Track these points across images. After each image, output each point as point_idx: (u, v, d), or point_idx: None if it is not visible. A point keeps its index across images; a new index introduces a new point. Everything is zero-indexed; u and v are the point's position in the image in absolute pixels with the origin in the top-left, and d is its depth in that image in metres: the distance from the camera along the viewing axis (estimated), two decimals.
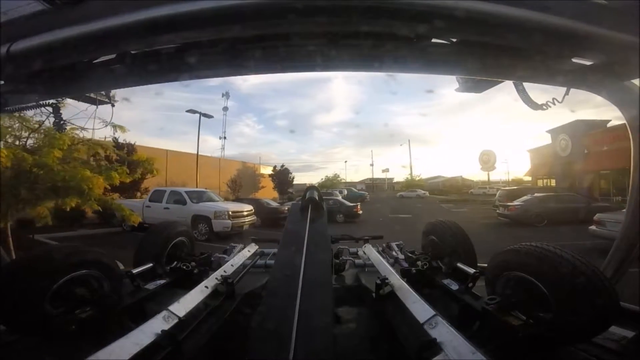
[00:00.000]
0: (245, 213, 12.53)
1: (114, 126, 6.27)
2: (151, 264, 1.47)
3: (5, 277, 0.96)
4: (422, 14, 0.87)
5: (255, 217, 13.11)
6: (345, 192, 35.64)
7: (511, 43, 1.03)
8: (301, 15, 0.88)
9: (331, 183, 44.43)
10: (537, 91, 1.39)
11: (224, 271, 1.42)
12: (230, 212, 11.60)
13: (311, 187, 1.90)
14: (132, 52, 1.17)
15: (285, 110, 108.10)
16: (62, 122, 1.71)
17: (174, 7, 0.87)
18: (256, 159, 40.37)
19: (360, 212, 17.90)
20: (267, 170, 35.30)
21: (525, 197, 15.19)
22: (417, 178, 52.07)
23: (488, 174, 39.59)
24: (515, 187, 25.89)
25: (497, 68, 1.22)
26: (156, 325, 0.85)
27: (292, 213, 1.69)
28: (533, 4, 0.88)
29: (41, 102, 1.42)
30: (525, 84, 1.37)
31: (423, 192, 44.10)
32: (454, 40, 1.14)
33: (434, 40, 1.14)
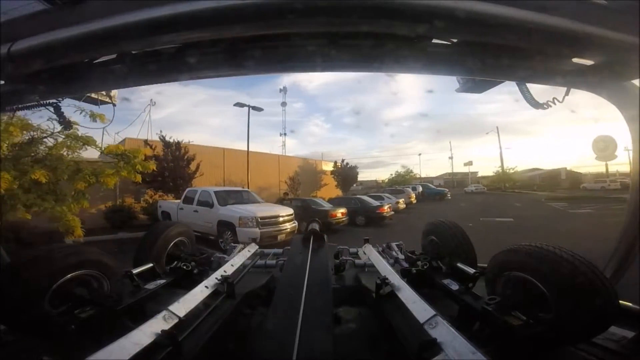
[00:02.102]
0: (281, 219, 9.76)
1: (93, 115, 5.68)
2: (151, 264, 1.47)
3: (5, 277, 0.96)
4: (422, 14, 0.87)
5: (296, 224, 10.29)
6: (420, 188, 31.77)
7: (511, 43, 1.03)
8: (301, 15, 0.88)
9: (403, 179, 39.07)
10: (538, 90, 1.40)
11: (224, 271, 1.42)
12: (258, 219, 9.11)
13: (312, 220, 1.99)
14: (133, 52, 1.17)
15: (351, 107, 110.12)
16: (66, 120, 1.70)
17: (175, 7, 0.87)
18: (326, 157, 37.29)
19: (388, 214, 14.27)
20: (328, 167, 31.58)
21: None
22: (511, 171, 43.46)
23: (606, 165, 30.79)
24: None
25: (498, 68, 1.22)
26: (156, 325, 0.85)
27: (294, 243, 1.75)
28: (533, 5, 0.88)
29: (42, 102, 1.43)
30: (528, 84, 1.37)
31: (475, 186, 40.92)
32: (455, 40, 1.14)
33: (434, 40, 1.14)
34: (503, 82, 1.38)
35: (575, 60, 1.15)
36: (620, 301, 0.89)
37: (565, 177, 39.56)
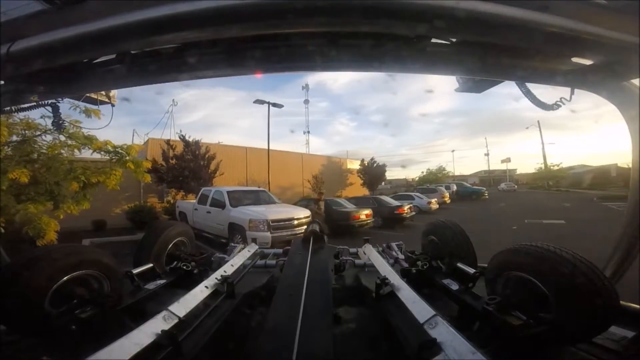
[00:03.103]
0: (296, 222, 8.73)
1: (87, 111, 5.25)
2: (151, 264, 1.47)
3: (5, 277, 0.96)
4: (422, 14, 0.87)
5: None
6: (454, 187, 29.80)
7: (511, 43, 1.03)
8: (301, 15, 0.88)
9: (435, 177, 36.16)
10: (538, 90, 1.39)
11: (224, 271, 1.42)
12: (270, 222, 8.22)
13: (313, 221, 2.03)
14: (132, 52, 1.17)
15: (379, 105, 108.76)
16: (61, 121, 1.70)
17: (174, 7, 0.87)
18: (352, 155, 34.70)
19: (408, 215, 13.10)
20: (354, 165, 29.80)
21: None
22: (555, 167, 39.64)
23: None
24: None
25: (497, 68, 1.22)
26: (156, 325, 0.85)
27: (294, 243, 1.77)
28: (533, 4, 0.88)
29: (41, 102, 1.42)
30: (528, 84, 1.37)
31: (507, 184, 39.02)
32: (454, 40, 1.14)
33: (434, 40, 1.14)
34: (503, 81, 1.38)
35: (575, 59, 1.15)
36: (621, 301, 0.89)
37: (616, 174, 33.94)
